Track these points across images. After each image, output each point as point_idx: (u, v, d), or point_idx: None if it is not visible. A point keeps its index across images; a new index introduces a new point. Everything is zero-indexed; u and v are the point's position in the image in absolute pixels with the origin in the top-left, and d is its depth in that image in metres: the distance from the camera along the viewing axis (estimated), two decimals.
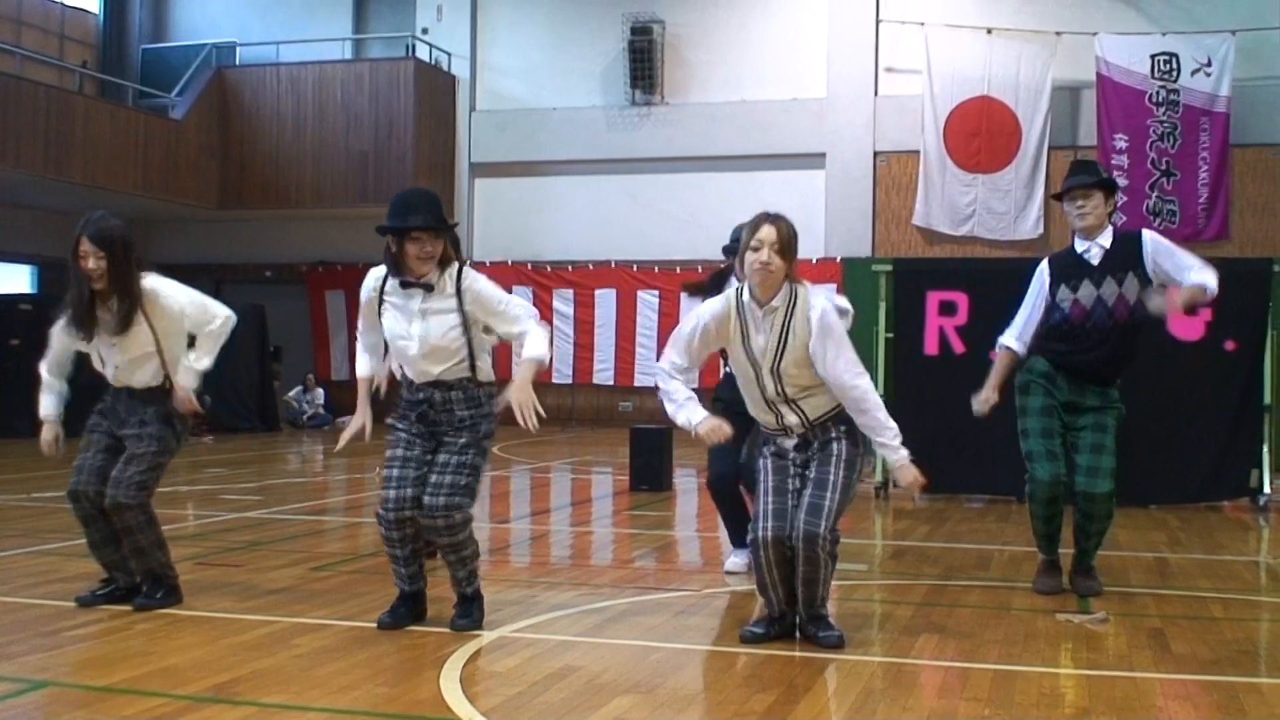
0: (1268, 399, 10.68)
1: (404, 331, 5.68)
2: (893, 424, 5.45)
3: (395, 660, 5.19)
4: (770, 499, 5.52)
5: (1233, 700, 4.74)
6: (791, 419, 5.53)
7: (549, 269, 22.23)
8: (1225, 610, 6.47)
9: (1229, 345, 10.47)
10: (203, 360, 6.20)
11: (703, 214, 21.31)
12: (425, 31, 23.25)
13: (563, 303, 22.36)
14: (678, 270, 21.66)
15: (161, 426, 6.18)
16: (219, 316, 6.22)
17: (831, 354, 5.39)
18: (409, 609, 5.81)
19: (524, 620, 5.88)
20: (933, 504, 10.87)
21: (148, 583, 6.17)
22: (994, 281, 11.35)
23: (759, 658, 5.36)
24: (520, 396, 5.50)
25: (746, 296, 5.48)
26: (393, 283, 5.69)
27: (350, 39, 24.30)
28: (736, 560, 7.34)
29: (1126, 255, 6.67)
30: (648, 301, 22.18)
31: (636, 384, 22.20)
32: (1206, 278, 6.44)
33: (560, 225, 22.57)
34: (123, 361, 6.14)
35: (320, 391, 22.44)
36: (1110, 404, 6.74)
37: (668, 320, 21.81)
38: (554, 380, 22.12)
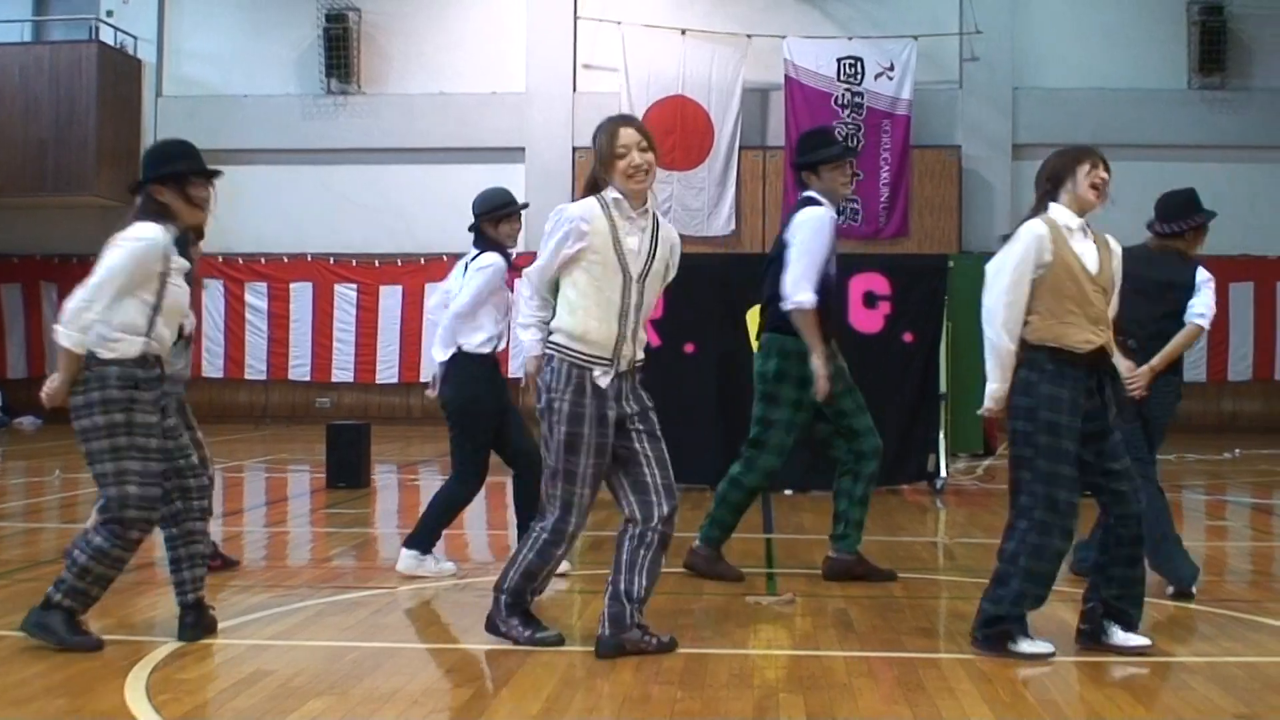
0: (944, 388, 11.25)
1: None
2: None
3: (76, 670, 4.96)
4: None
5: (912, 674, 4.97)
6: (626, 350, 5.25)
7: (240, 261, 21.52)
8: (905, 590, 6.79)
9: (907, 337, 10.98)
10: None
11: (402, 206, 21.11)
12: (110, 14, 22.20)
13: (255, 297, 21.70)
14: (376, 264, 21.35)
15: None
16: None
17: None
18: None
19: None
20: None
21: None
22: (688, 279, 11.55)
23: (456, 653, 5.35)
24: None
25: (613, 196, 5.24)
26: None
27: (30, 20, 23.04)
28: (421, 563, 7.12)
29: None
30: (345, 295, 21.75)
31: (334, 379, 21.77)
32: None
33: (252, 217, 21.79)
34: None
35: None
36: None
37: (367, 315, 21.46)
38: (247, 376, 21.48)
